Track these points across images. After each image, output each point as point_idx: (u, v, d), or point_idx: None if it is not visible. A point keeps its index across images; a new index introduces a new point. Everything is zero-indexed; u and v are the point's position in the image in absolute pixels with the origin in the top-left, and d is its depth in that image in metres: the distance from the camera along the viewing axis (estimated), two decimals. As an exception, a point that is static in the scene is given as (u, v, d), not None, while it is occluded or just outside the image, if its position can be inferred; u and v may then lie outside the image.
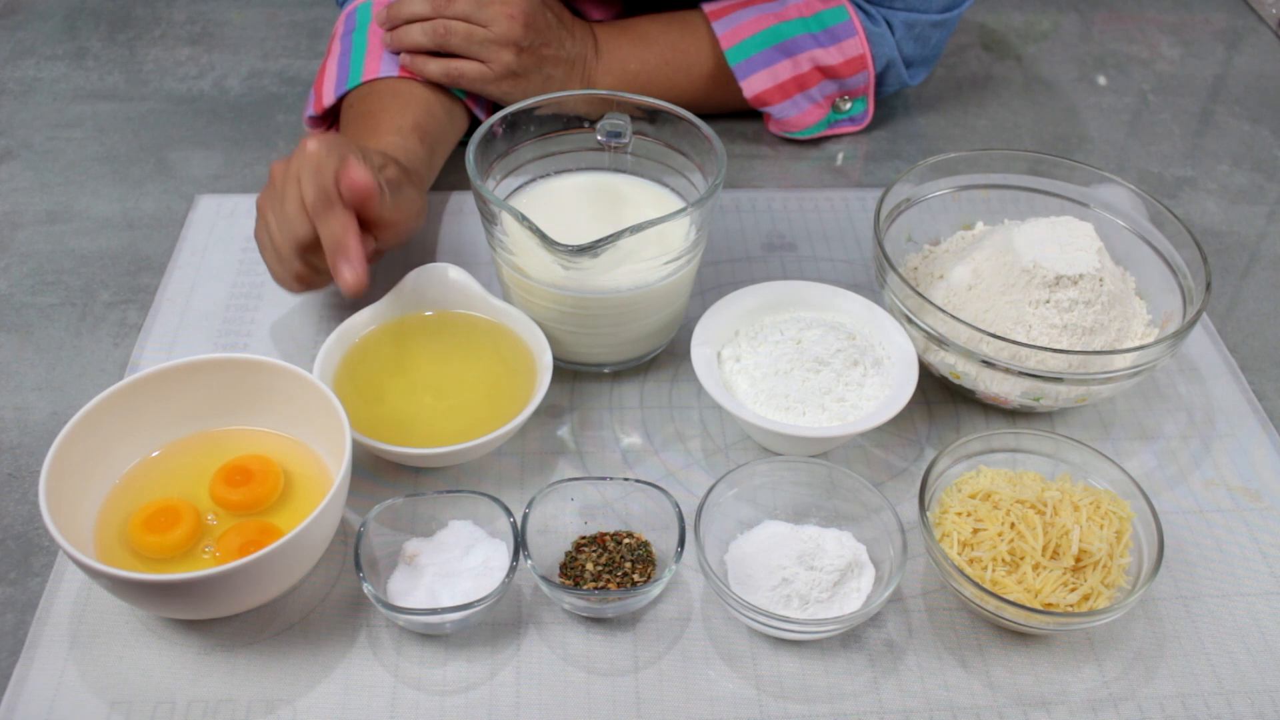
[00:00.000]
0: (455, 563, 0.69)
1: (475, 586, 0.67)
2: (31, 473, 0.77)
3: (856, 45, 1.03)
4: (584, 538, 0.72)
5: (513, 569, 0.67)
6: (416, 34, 0.96)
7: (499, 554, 0.69)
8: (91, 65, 1.18)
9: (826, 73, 1.04)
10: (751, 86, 1.03)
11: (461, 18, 0.94)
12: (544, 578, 0.67)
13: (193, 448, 0.74)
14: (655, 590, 0.69)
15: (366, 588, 0.66)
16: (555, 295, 0.78)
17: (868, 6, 1.03)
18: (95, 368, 0.84)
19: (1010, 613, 0.66)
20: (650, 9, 1.07)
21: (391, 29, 0.98)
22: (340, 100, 0.98)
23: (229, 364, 0.73)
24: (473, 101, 0.99)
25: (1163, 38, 1.31)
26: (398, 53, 0.99)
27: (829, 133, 1.09)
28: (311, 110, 1.00)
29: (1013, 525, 0.70)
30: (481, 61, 0.96)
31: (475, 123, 1.01)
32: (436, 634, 0.68)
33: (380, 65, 0.97)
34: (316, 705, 0.65)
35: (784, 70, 1.03)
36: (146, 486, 0.71)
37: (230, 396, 0.74)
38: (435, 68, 0.98)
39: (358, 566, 0.66)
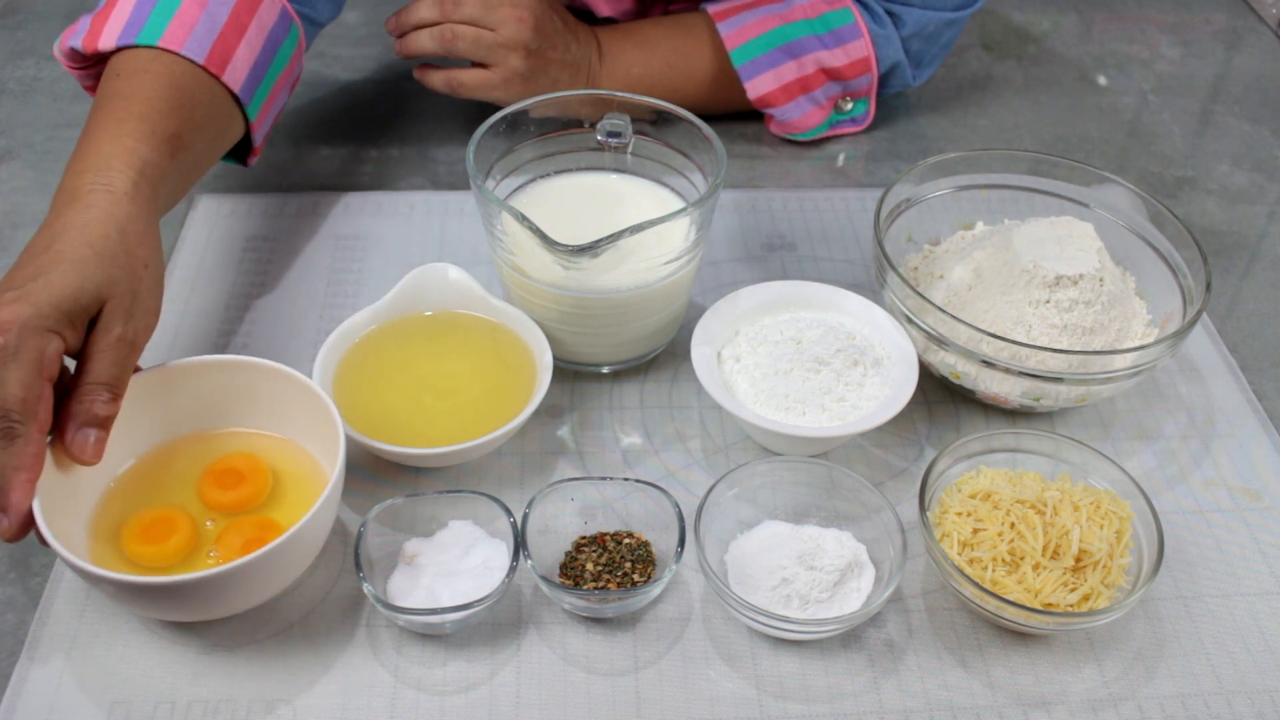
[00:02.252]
0: (455, 563, 0.69)
1: (475, 586, 0.67)
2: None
3: (861, 47, 1.03)
4: (584, 538, 0.72)
5: (513, 569, 0.67)
6: (425, 40, 0.95)
7: (499, 554, 0.69)
8: (91, 65, 1.18)
9: (831, 74, 1.04)
10: (756, 88, 1.03)
11: (469, 22, 0.94)
12: (544, 578, 0.67)
13: (183, 451, 0.73)
14: (655, 590, 0.69)
15: (366, 588, 0.66)
16: (555, 295, 0.78)
17: (876, 5, 1.03)
18: (95, 368, 0.84)
19: (1010, 613, 0.66)
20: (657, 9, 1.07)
21: (400, 36, 0.98)
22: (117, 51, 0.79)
23: (218, 366, 0.72)
24: (256, 129, 0.87)
25: (1163, 38, 1.31)
26: (408, 59, 0.98)
27: (830, 133, 1.09)
28: (77, 42, 0.80)
29: (1013, 525, 0.70)
30: (489, 66, 0.96)
31: (246, 140, 0.89)
32: (436, 634, 0.68)
33: (187, 38, 0.78)
34: (316, 705, 0.65)
35: (788, 72, 1.03)
36: (139, 492, 0.70)
37: (220, 398, 0.73)
38: (438, 79, 0.98)
39: (358, 566, 0.66)
